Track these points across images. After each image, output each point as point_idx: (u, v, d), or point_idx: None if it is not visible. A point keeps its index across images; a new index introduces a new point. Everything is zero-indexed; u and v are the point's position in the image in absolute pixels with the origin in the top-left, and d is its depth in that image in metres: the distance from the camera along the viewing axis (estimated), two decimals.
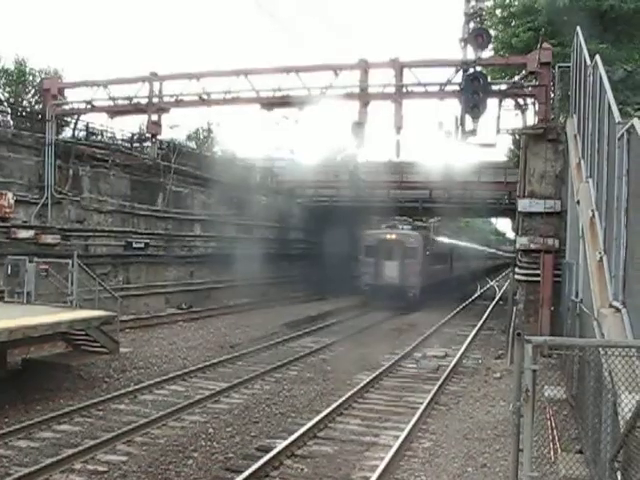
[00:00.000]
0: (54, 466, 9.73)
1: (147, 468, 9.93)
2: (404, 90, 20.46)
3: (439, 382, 16.05)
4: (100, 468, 9.87)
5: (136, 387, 14.93)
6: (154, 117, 24.18)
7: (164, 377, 15.96)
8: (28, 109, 28.10)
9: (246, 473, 9.47)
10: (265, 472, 9.83)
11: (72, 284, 17.43)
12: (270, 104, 22.62)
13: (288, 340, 22.66)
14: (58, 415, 12.41)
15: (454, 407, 14.19)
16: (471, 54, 19.01)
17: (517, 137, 23.45)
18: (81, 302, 17.60)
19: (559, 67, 20.16)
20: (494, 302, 40.70)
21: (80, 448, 10.49)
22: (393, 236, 35.48)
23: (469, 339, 23.75)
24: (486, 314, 32.92)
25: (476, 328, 27.02)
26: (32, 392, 13.80)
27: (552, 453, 9.81)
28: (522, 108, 20.40)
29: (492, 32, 24.62)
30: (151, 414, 12.74)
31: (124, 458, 10.38)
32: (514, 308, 20.00)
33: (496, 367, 18.19)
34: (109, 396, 13.99)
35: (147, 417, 12.47)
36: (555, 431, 11.24)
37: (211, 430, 12.06)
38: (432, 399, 14.40)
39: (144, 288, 27.25)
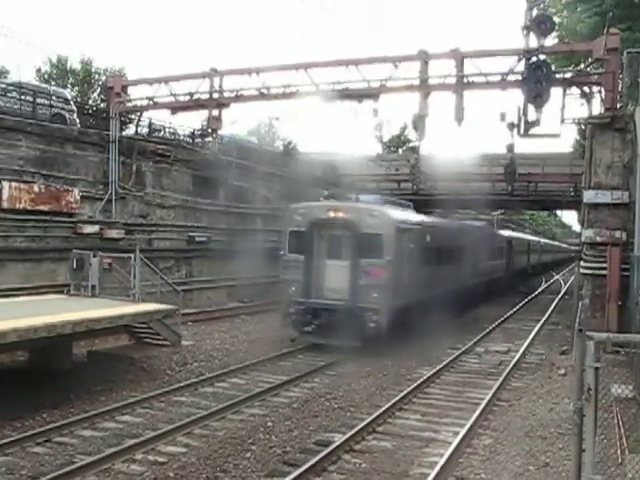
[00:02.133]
0: (116, 456, 9.95)
1: (205, 460, 10.03)
2: (465, 81, 20.08)
3: (501, 378, 15.76)
4: (160, 459, 10.03)
5: (197, 380, 15.13)
6: (214, 112, 24.42)
7: (225, 370, 16.13)
8: (93, 107, 28.74)
9: (304, 467, 9.47)
10: (323, 467, 9.81)
11: (135, 278, 17.76)
12: (330, 97, 22.53)
13: None
14: (121, 406, 12.69)
15: (516, 404, 13.89)
16: (534, 42, 18.53)
17: (582, 127, 22.70)
18: (144, 296, 17.94)
19: (628, 53, 19.39)
20: (559, 296, 39.77)
21: (141, 439, 10.68)
22: (340, 214, 19.72)
23: (533, 334, 23.25)
24: (551, 309, 32.19)
25: (540, 323, 26.43)
26: (96, 383, 14.12)
27: (619, 454, 9.46)
28: (588, 97, 19.77)
29: (556, 19, 23.99)
30: (211, 406, 12.87)
31: (183, 450, 10.52)
32: (579, 303, 19.43)
33: (560, 363, 17.72)
34: (170, 388, 14.22)
35: (207, 409, 12.61)
36: (622, 431, 10.84)
37: (270, 423, 12.10)
38: (494, 395, 14.14)
39: (206, 282, 27.60)
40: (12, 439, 10.60)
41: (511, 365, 17.39)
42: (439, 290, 22.54)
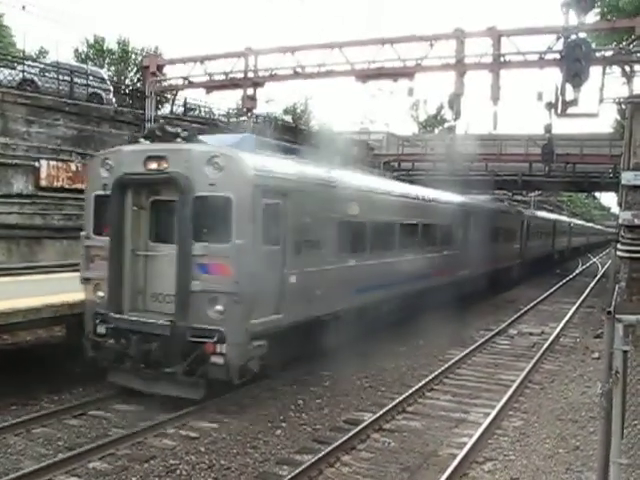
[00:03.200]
0: (149, 430, 10.14)
1: (236, 436, 10.17)
2: (502, 60, 19.78)
3: (534, 360, 15.66)
4: (192, 434, 10.19)
5: None
6: (249, 91, 24.43)
7: None
8: (129, 87, 29.00)
9: (333, 445, 9.57)
10: (352, 445, 9.89)
11: None
12: (364, 76, 22.39)
13: None
14: None
15: (548, 386, 13.82)
16: (573, 20, 18.19)
17: (623, 107, 22.24)
18: None
19: None
20: (596, 279, 39.25)
21: (174, 414, 10.82)
22: (164, 164, 11.47)
23: (567, 317, 23.02)
24: (587, 291, 31.79)
25: (575, 306, 26.16)
26: None
27: None
28: (629, 75, 19.33)
29: None
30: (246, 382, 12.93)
31: (215, 425, 10.66)
32: (616, 286, 19.16)
33: (595, 347, 17.54)
34: None
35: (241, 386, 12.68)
36: None
37: (301, 402, 12.20)
38: (525, 377, 14.08)
39: None
40: (50, 411, 10.89)
41: (544, 347, 17.26)
42: (382, 291, 16.50)
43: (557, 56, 18.86)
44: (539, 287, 32.76)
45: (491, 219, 27.48)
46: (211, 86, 25.26)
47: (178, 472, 8.77)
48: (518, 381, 13.57)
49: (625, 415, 4.68)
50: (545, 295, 29.95)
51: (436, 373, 14.20)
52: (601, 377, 5.30)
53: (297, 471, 8.56)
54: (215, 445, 9.79)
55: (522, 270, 35.14)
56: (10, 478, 8.04)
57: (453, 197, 24.39)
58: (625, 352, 4.70)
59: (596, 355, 16.50)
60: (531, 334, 19.90)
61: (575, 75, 17.85)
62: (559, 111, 18.82)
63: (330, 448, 9.42)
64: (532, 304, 26.36)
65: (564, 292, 32.90)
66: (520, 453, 9.79)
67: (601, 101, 19.00)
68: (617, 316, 4.74)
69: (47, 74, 22.61)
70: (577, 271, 48.29)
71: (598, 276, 41.97)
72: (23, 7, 29.03)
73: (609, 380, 4.77)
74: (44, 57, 38.61)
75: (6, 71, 21.77)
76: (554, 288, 33.33)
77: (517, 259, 34.24)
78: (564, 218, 60.27)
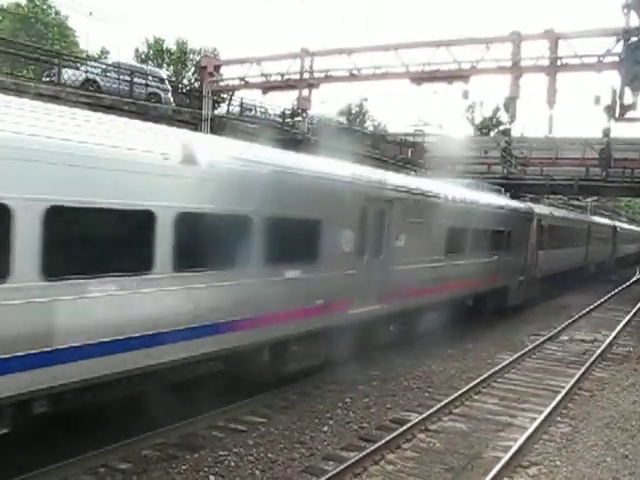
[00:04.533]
0: (197, 422, 10.40)
1: (284, 431, 10.39)
2: (558, 63, 19.55)
3: (584, 367, 15.49)
4: (240, 427, 10.43)
5: None
6: (304, 92, 24.66)
7: None
8: (187, 87, 29.57)
9: (379, 443, 9.70)
10: (397, 444, 10.00)
11: None
12: (419, 79, 22.35)
13: None
14: None
15: (598, 394, 13.67)
16: (635, 21, 17.83)
17: None
18: None
19: None
20: None
21: (225, 408, 11.06)
22: None
23: (622, 325, 22.62)
24: None
25: (630, 314, 25.64)
26: None
27: None
28: None
29: None
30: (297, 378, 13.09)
31: (263, 420, 10.89)
32: None
33: None
34: None
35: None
36: None
37: (348, 400, 12.35)
38: (575, 384, 13.95)
39: None
40: None
41: (596, 355, 17.04)
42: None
43: (616, 59, 18.53)
44: (593, 294, 32.22)
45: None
46: (267, 87, 25.55)
47: (226, 463, 9.01)
48: (567, 387, 13.46)
49: None
50: (599, 302, 29.43)
51: (484, 376, 14.17)
52: None
53: (342, 467, 8.72)
54: (263, 439, 10.02)
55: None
56: None
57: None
58: None
59: None
60: (583, 341, 19.65)
61: (634, 78, 17.51)
62: (617, 115, 18.50)
63: (375, 446, 9.55)
64: (585, 310, 25.97)
65: (619, 299, 32.26)
66: (566, 459, 9.75)
67: None
68: None
69: (108, 74, 23.25)
70: (634, 279, 47.17)
71: None
72: (90, 13, 29.98)
73: None
74: (105, 58, 39.65)
75: (70, 71, 22.44)
76: (609, 295, 32.70)
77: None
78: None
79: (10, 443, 7.49)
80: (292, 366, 11.96)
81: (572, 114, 48.03)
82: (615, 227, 50.22)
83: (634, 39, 17.91)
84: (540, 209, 28.74)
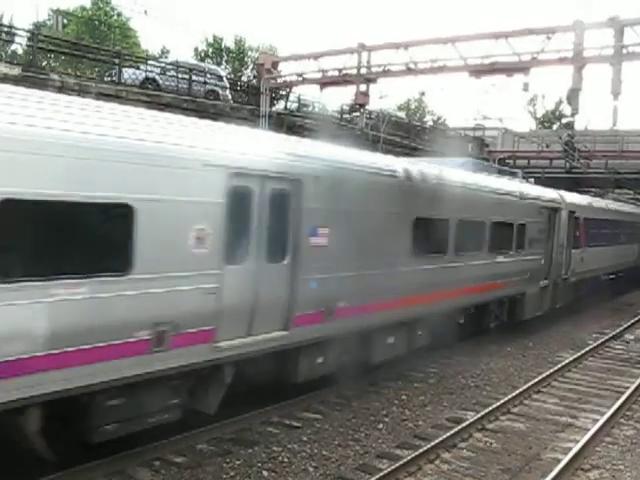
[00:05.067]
0: (253, 417, 10.43)
1: (338, 428, 10.34)
2: (624, 52, 18.92)
3: None
4: (295, 423, 10.42)
5: None
6: (362, 87, 24.55)
7: None
8: (245, 83, 29.80)
9: (434, 442, 9.55)
10: (453, 442, 9.83)
11: None
12: (478, 72, 21.97)
13: None
14: None
15: None
16: None
17: None
18: None
19: None
20: None
21: (281, 403, 11.05)
22: None
23: None
24: None
25: None
26: None
27: None
28: None
29: None
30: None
31: (318, 416, 10.86)
32: None
33: None
34: None
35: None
36: None
37: (404, 397, 12.23)
38: None
39: None
40: None
41: None
42: None
43: None
44: None
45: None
46: (324, 82, 25.53)
47: (280, 459, 9.00)
48: (632, 388, 13.02)
49: None
50: None
51: (544, 375, 13.85)
52: None
53: (396, 465, 8.61)
54: (317, 435, 9.99)
55: None
56: None
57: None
58: None
59: None
60: None
61: None
62: None
63: (430, 445, 9.41)
64: None
65: None
66: (630, 464, 9.41)
67: None
68: None
69: (167, 73, 23.62)
70: None
71: None
72: (145, 12, 30.57)
73: None
74: (166, 57, 40.34)
75: (130, 70, 22.88)
76: None
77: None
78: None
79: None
80: None
81: (639, 105, 46.35)
82: None
83: None
84: (574, 198, 23.18)
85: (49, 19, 44.14)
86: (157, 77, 23.32)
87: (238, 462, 8.84)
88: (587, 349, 16.92)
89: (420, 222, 12.86)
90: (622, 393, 12.70)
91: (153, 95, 21.44)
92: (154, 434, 8.88)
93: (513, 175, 20.45)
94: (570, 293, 21.73)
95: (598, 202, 28.19)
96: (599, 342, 17.97)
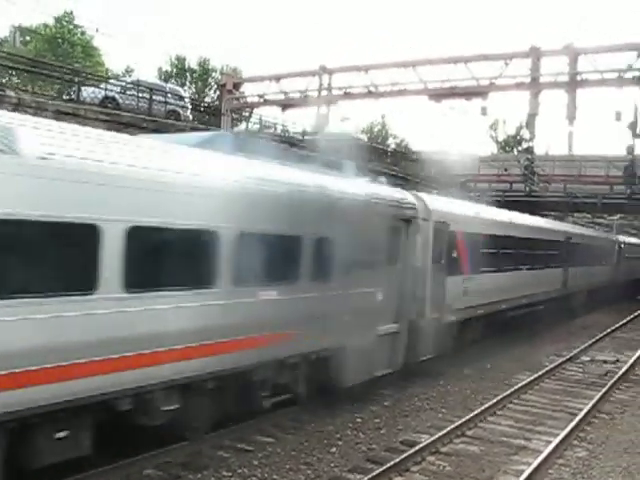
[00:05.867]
0: (205, 442, 10.22)
1: (291, 451, 10.18)
2: (578, 78, 19.32)
3: (604, 389, 15.10)
4: (247, 447, 10.23)
5: None
6: (323, 110, 24.64)
7: None
8: (207, 104, 29.78)
9: (386, 465, 9.44)
10: (406, 466, 9.73)
11: None
12: (437, 96, 22.21)
13: None
14: None
15: (618, 417, 13.29)
16: None
17: None
18: None
19: None
20: None
21: (232, 427, 10.85)
22: None
23: None
24: None
25: None
26: None
27: None
28: None
29: None
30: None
31: (271, 440, 10.69)
32: None
33: None
34: None
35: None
36: None
37: (359, 420, 12.12)
38: (594, 406, 13.55)
39: None
40: None
41: (617, 376, 16.62)
42: None
43: (637, 74, 18.30)
44: (618, 313, 31.60)
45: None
46: (286, 104, 25.57)
47: None
48: (585, 410, 13.07)
49: None
50: (623, 322, 28.89)
51: (500, 397, 13.85)
52: None
53: None
54: (269, 459, 9.81)
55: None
56: None
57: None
58: None
59: None
60: (605, 362, 19.19)
61: None
62: (638, 131, 18.24)
63: (382, 469, 9.29)
64: (608, 330, 25.45)
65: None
66: None
67: None
68: None
69: (128, 92, 23.45)
70: None
71: None
72: (97, 30, 30.54)
73: None
74: (130, 76, 40.11)
75: (90, 89, 22.67)
76: (634, 315, 32.07)
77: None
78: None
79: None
80: None
81: (594, 131, 47.41)
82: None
83: None
84: (447, 205, 17.26)
85: (10, 35, 43.65)
86: (117, 96, 23.14)
87: None
88: (543, 371, 16.99)
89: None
90: (576, 415, 12.75)
91: (112, 114, 21.25)
92: (101, 459, 8.65)
93: (338, 167, 13.10)
94: (446, 338, 15.94)
95: (496, 213, 21.73)
96: (555, 364, 18.08)
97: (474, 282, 17.60)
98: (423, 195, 16.23)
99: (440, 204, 16.63)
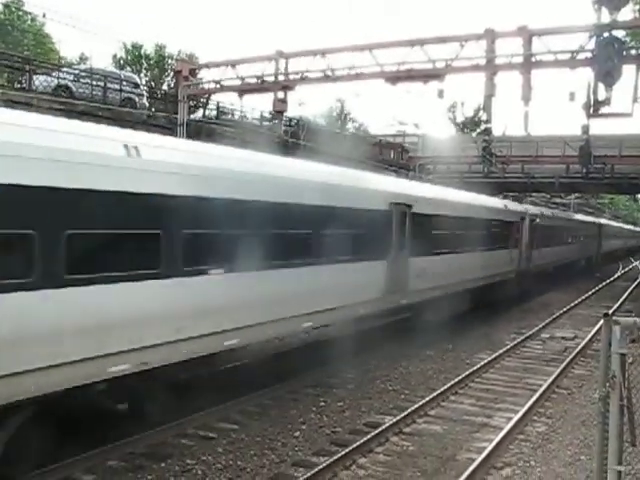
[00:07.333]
0: (168, 430, 10.20)
1: (255, 437, 10.20)
2: (533, 60, 19.46)
3: (563, 364, 15.41)
4: (211, 434, 10.23)
5: None
6: (280, 95, 24.46)
7: None
8: (162, 91, 29.38)
9: (350, 447, 9.52)
10: (370, 448, 9.84)
11: None
12: (394, 78, 22.17)
13: None
14: None
15: (576, 391, 13.60)
16: (606, 17, 17.79)
17: None
18: None
19: None
20: (635, 283, 38.38)
21: (195, 415, 10.83)
22: None
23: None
24: (625, 295, 31.10)
25: (612, 310, 25.58)
26: None
27: None
28: None
29: None
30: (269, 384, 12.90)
31: (235, 426, 10.69)
32: None
33: (629, 351, 17.11)
34: None
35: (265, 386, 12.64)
36: None
37: (323, 404, 12.20)
38: (553, 382, 13.85)
39: None
40: None
41: (575, 352, 16.96)
42: None
43: (589, 55, 18.51)
44: (576, 290, 32.21)
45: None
46: (243, 90, 25.29)
47: (194, 472, 8.84)
48: (545, 386, 13.36)
49: (623, 420, 4.56)
50: (581, 299, 29.45)
51: (462, 377, 14.04)
52: (636, 382, 5.16)
53: (311, 473, 8.54)
54: (233, 446, 9.83)
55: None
56: None
57: None
58: (623, 355, 4.59)
59: (630, 360, 16.10)
60: (563, 338, 19.58)
61: (607, 74, 17.45)
62: (591, 111, 18.45)
63: (346, 450, 9.38)
64: (567, 308, 25.94)
65: (601, 296, 32.30)
66: (541, 459, 9.64)
67: (635, 100, 18.58)
68: (615, 318, 4.64)
69: (81, 80, 23.00)
70: (617, 275, 47.28)
71: (638, 280, 41.04)
72: (44, 15, 29.92)
73: (606, 384, 4.66)
74: (85, 64, 39.36)
75: (42, 77, 22.18)
76: (591, 292, 32.73)
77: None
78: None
79: None
80: None
81: (550, 111, 48.01)
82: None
83: (605, 35, 17.89)
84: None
85: None
86: (70, 84, 22.66)
87: (150, 477, 8.64)
88: (504, 349, 17.27)
89: None
90: (535, 391, 13.00)
91: (66, 102, 20.83)
92: (65, 451, 8.57)
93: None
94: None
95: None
96: (516, 342, 18.37)
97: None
98: None
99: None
